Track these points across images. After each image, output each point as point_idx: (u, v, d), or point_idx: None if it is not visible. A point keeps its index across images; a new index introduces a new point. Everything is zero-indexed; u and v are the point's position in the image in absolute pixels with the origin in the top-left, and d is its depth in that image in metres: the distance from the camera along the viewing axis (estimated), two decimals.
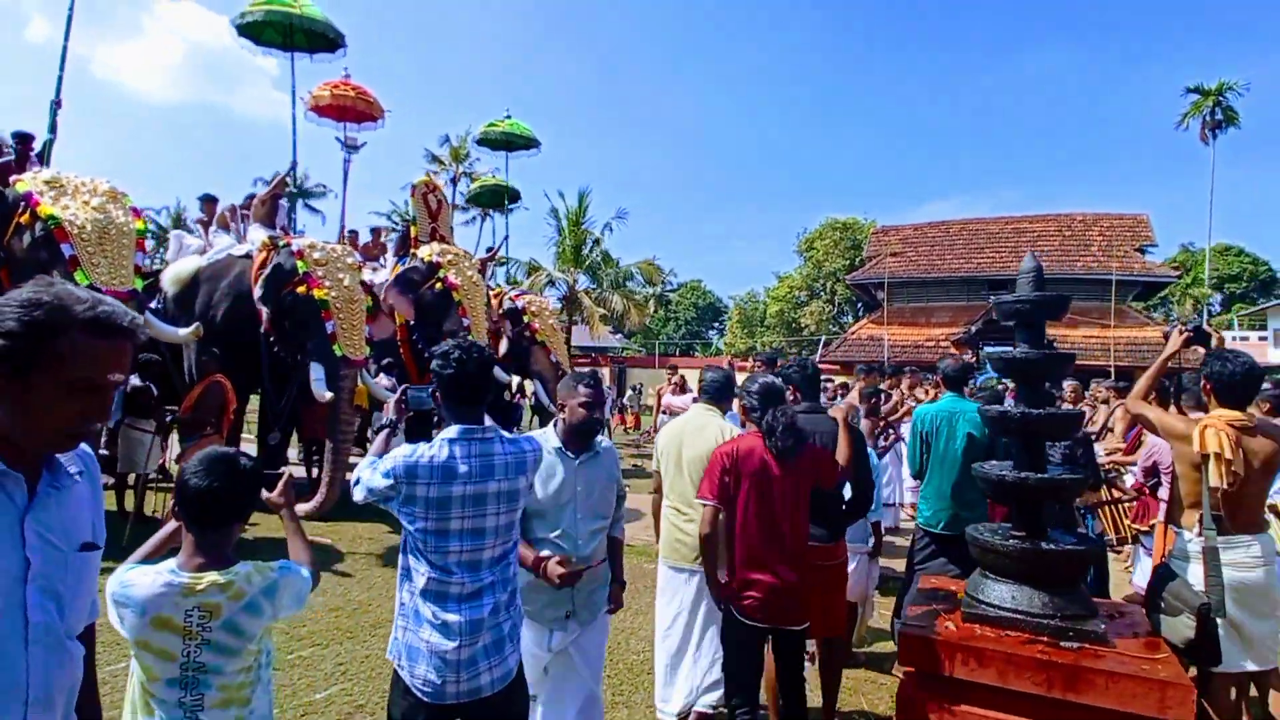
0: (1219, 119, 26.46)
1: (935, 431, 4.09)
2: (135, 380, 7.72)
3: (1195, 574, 3.00)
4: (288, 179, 9.01)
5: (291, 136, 9.67)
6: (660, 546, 3.61)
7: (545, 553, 2.50)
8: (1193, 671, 3.08)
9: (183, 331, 6.84)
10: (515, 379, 11.30)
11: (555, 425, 2.77)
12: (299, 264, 7.12)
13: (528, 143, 14.81)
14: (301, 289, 7.02)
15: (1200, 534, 3.03)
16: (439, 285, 9.06)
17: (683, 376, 12.34)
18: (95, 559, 1.31)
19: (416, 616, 2.08)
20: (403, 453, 2.08)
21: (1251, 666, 3.03)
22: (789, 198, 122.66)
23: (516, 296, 11.07)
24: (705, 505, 2.92)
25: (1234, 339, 32.24)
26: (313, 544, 2.08)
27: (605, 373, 22.54)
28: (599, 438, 2.87)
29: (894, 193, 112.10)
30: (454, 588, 2.06)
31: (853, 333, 21.80)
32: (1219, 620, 2.95)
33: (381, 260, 10.35)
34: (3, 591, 1.13)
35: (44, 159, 7.12)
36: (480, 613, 2.07)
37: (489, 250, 11.63)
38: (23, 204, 5.89)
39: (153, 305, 8.07)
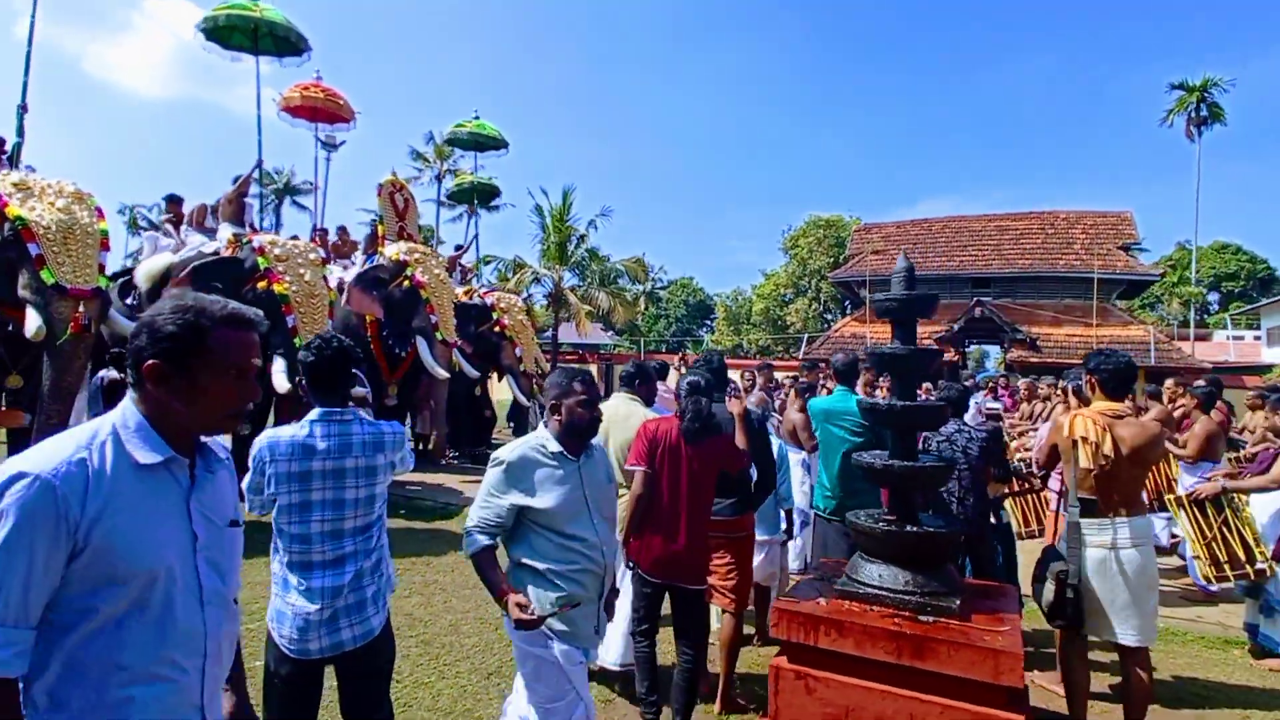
0: (1204, 115, 26.41)
1: (824, 423, 4.29)
2: (113, 373, 7.96)
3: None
4: (254, 178, 9.18)
5: (257, 136, 9.84)
6: None
7: (513, 589, 2.33)
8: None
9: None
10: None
11: (546, 425, 2.57)
12: (260, 260, 7.34)
13: (495, 143, 15.00)
14: (263, 284, 7.24)
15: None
16: (406, 283, 9.26)
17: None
18: (240, 534, 1.52)
19: (285, 584, 2.28)
20: (265, 437, 2.28)
21: (1127, 640, 3.22)
22: (784, 196, 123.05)
23: (486, 293, 11.31)
24: (637, 470, 3.23)
25: (1228, 338, 32.30)
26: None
27: (593, 369, 22.70)
28: None
29: (889, 192, 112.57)
30: (316, 555, 2.26)
31: (835, 331, 21.90)
32: (1086, 591, 3.24)
33: (352, 258, 10.53)
34: (180, 561, 1.34)
35: (13, 161, 7.33)
36: (341, 579, 2.26)
37: (457, 248, 11.85)
38: None
39: (128, 301, 8.33)
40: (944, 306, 20.69)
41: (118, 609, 1.27)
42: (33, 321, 5.87)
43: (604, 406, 3.96)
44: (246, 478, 2.26)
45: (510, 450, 2.46)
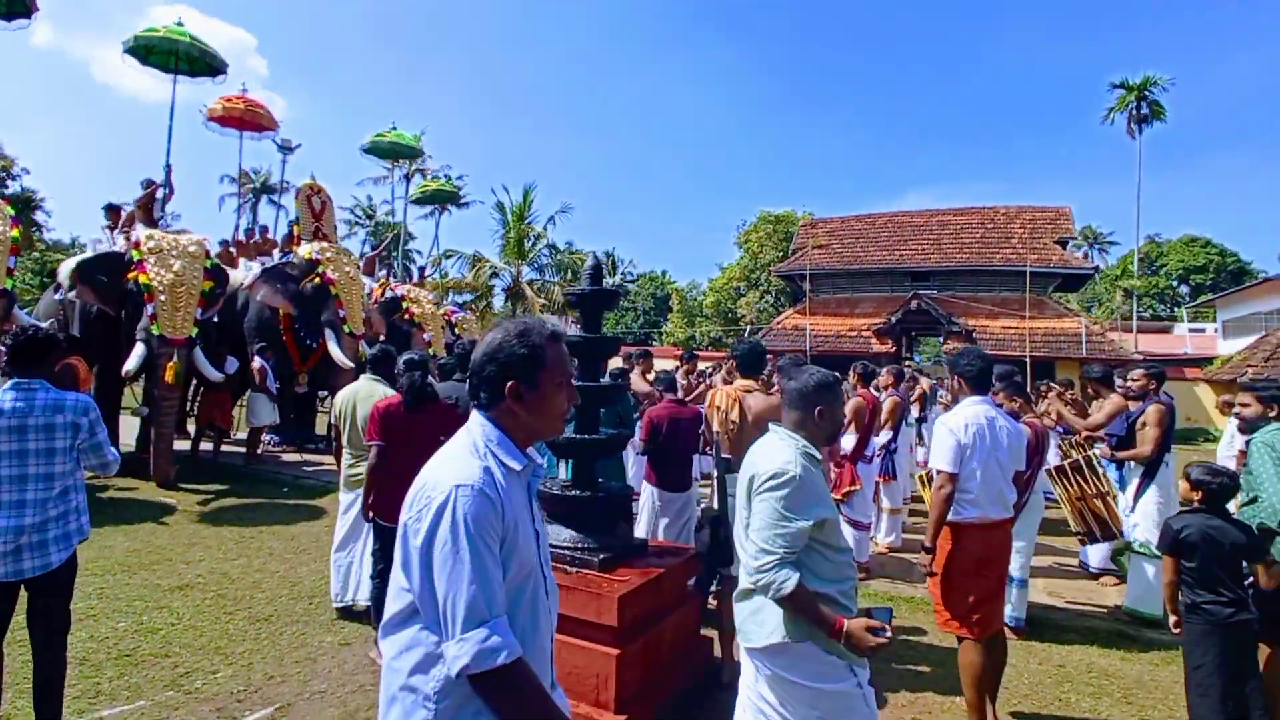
0: (1145, 113, 26.78)
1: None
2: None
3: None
4: (158, 184, 9.75)
5: (166, 145, 10.38)
6: (341, 481, 4.68)
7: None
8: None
9: (41, 325, 7.70)
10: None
11: (802, 428, 2.35)
12: (134, 253, 7.91)
13: (412, 151, 15.52)
14: (133, 274, 7.83)
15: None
16: (317, 280, 9.85)
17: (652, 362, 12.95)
18: None
19: None
20: None
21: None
22: (759, 192, 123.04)
23: (395, 286, 11.96)
24: (373, 445, 3.93)
25: (1188, 331, 32.70)
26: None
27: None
28: None
29: (873, 184, 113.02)
30: (4, 497, 2.79)
31: (778, 323, 22.34)
32: (733, 534, 3.80)
33: (273, 255, 11.09)
34: (538, 557, 1.49)
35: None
36: (23, 519, 2.78)
37: (374, 248, 12.44)
38: None
39: (56, 296, 8.96)
40: (884, 299, 21.25)
41: (520, 603, 1.42)
42: None
43: (352, 386, 4.62)
44: None
45: (791, 463, 2.17)
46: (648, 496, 5.02)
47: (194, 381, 9.93)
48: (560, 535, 3.62)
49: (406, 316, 11.21)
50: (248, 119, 11.90)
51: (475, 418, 1.52)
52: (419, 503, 1.37)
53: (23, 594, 2.86)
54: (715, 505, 3.89)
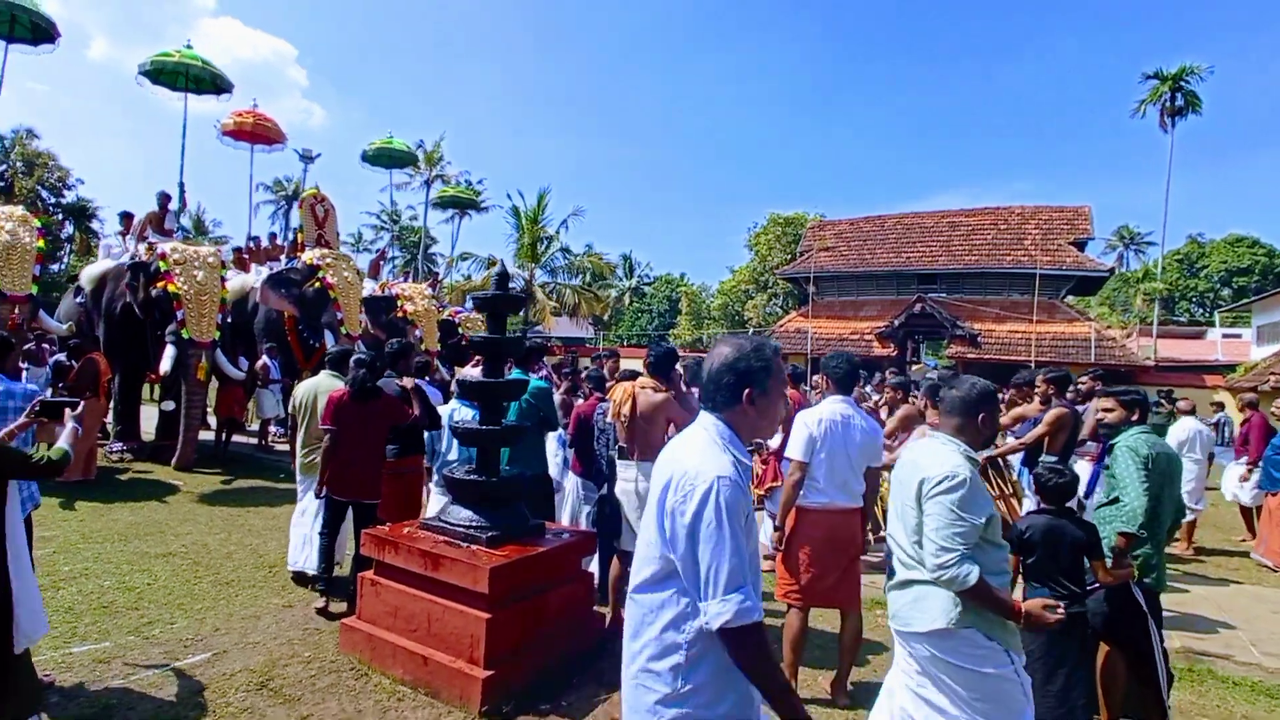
0: (1179, 105, 25.62)
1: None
2: (62, 358, 9.53)
3: None
4: (170, 196, 10.63)
5: (180, 161, 11.26)
6: (298, 467, 5.39)
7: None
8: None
9: (62, 327, 8.60)
10: None
11: (962, 433, 2.53)
12: (161, 264, 8.73)
13: (406, 159, 16.21)
14: (161, 284, 8.64)
15: None
16: (318, 284, 10.60)
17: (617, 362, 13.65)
18: None
19: None
20: None
21: (630, 547, 4.32)
22: (784, 194, 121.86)
23: (392, 285, 12.69)
24: (327, 431, 4.60)
25: (1221, 337, 31.71)
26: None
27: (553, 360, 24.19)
28: None
29: (900, 186, 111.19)
30: None
31: (781, 326, 22.53)
32: (622, 511, 4.47)
33: (280, 261, 11.90)
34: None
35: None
36: None
37: (379, 253, 13.19)
38: None
39: (78, 300, 9.86)
40: (890, 303, 21.31)
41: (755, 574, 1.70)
42: None
43: (312, 380, 5.25)
44: None
45: (961, 465, 2.38)
46: (572, 486, 5.54)
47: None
48: (460, 515, 4.14)
49: (400, 314, 11.93)
50: (258, 132, 12.81)
51: (708, 418, 1.80)
52: (683, 488, 1.65)
53: None
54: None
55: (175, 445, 9.00)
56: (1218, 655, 4.77)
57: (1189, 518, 7.48)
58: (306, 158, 16.91)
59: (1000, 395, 8.16)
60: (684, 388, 4.68)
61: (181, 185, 10.94)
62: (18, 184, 31.79)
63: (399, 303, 11.99)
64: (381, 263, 14.03)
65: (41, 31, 9.61)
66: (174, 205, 10.55)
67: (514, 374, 5.29)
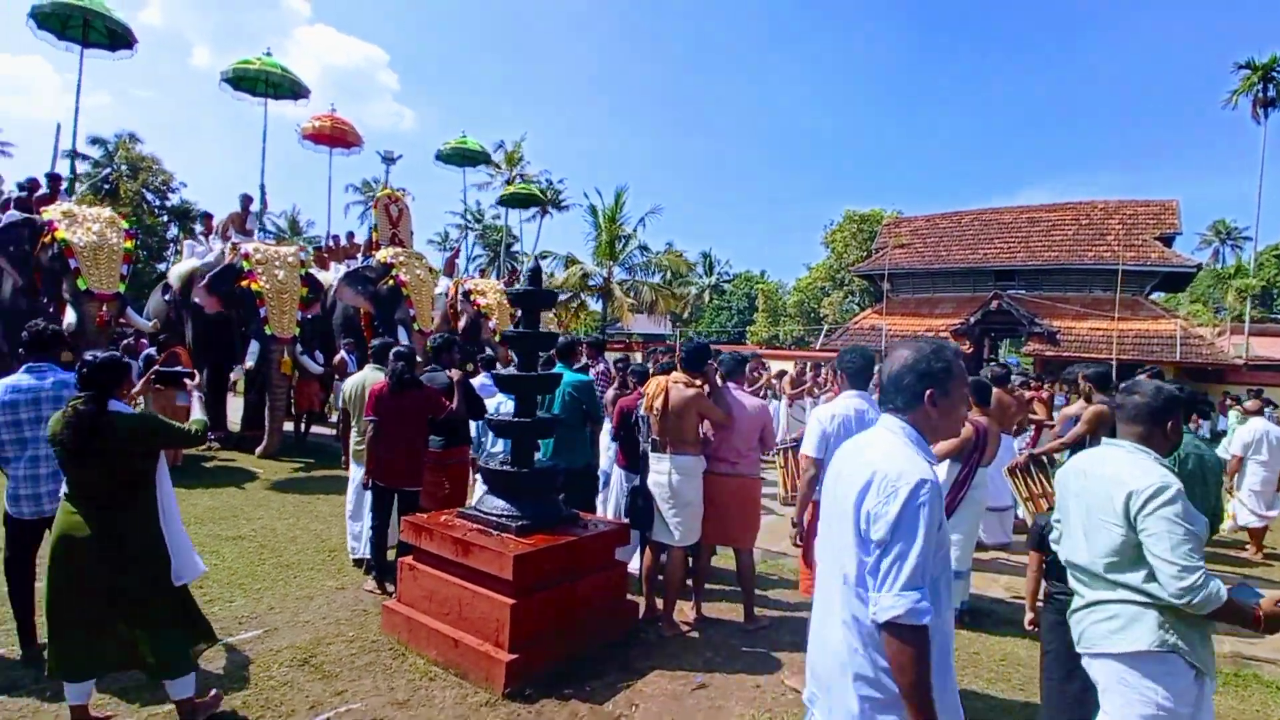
0: (1271, 96, 23.61)
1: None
2: (153, 352, 10.31)
3: None
4: (252, 197, 11.31)
5: (261, 164, 11.91)
6: (350, 456, 5.68)
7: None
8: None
9: (147, 324, 9.27)
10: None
11: (1150, 441, 2.35)
12: (244, 263, 9.31)
13: (478, 158, 16.58)
14: (245, 282, 9.21)
15: None
16: (391, 282, 11.08)
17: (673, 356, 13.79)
18: None
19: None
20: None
21: (664, 538, 4.50)
22: (865, 189, 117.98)
23: (466, 280, 13.10)
24: (369, 422, 4.87)
25: None
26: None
27: (638, 355, 24.32)
28: None
29: (986, 181, 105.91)
30: (27, 453, 3.61)
31: (855, 323, 21.97)
32: (655, 503, 4.53)
33: (357, 259, 12.49)
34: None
35: (70, 193, 9.70)
36: (36, 470, 3.60)
37: (453, 250, 13.63)
38: (46, 228, 8.29)
39: (166, 297, 10.63)
40: (966, 300, 20.52)
41: (939, 581, 1.72)
42: (68, 317, 8.03)
43: (360, 374, 5.50)
44: None
45: (1167, 474, 2.23)
46: (618, 478, 5.61)
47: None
48: (493, 504, 4.28)
49: (474, 308, 12.32)
50: (336, 136, 13.50)
51: (893, 421, 1.83)
52: (884, 489, 1.66)
53: None
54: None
55: (258, 435, 9.58)
56: (1267, 660, 4.47)
57: (1256, 523, 7.01)
58: (388, 159, 17.73)
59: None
60: (719, 383, 4.68)
61: (262, 187, 11.67)
62: (122, 187, 34.19)
63: (472, 297, 12.37)
64: (456, 260, 14.56)
65: (118, 38, 10.14)
66: (255, 206, 11.22)
67: (557, 369, 5.44)
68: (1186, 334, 17.09)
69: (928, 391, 1.78)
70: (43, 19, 9.34)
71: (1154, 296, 19.87)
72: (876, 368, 4.27)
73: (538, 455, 5.71)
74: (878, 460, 1.73)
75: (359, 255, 12.48)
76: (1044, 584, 3.32)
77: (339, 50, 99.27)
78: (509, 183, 28.61)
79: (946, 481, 4.87)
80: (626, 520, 4.74)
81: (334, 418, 12.31)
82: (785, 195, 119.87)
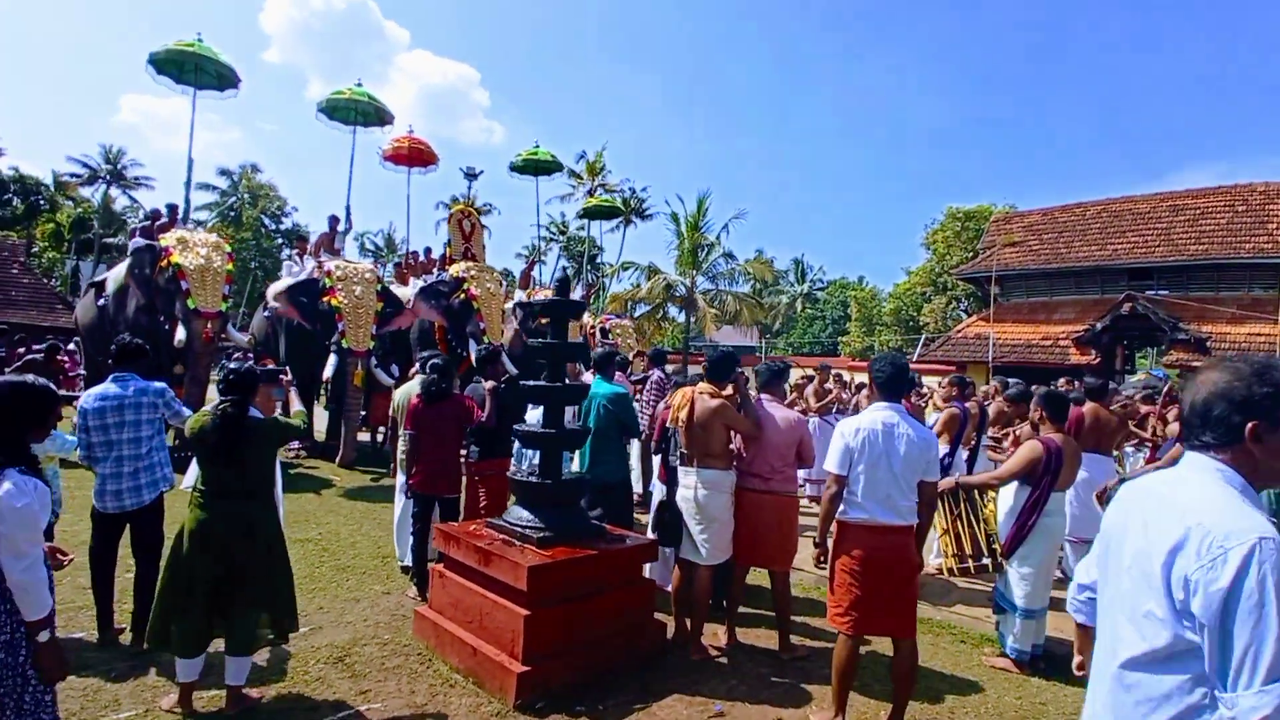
0: None
1: (582, 407, 5.37)
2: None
3: None
4: (340, 219, 12.00)
5: (348, 187, 12.57)
6: (398, 464, 5.79)
7: None
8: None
9: (243, 339, 10.03)
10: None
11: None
12: (326, 280, 9.90)
13: (551, 167, 16.73)
14: (327, 298, 9.80)
15: None
16: (463, 295, 11.45)
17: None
18: None
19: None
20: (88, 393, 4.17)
21: (691, 555, 4.35)
22: (974, 186, 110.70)
23: (535, 292, 13.35)
24: (406, 433, 5.07)
25: None
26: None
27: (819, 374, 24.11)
28: None
29: (1124, 170, 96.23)
30: (112, 454, 3.99)
31: (958, 331, 20.35)
32: (682, 519, 4.39)
33: (433, 273, 13.00)
34: None
35: (185, 219, 10.69)
36: (120, 469, 3.94)
37: (529, 263, 13.95)
38: (163, 253, 9.15)
39: (265, 313, 11.48)
40: (1092, 303, 18.70)
41: None
42: (179, 333, 8.83)
43: (406, 386, 5.68)
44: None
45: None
46: (659, 494, 5.50)
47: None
48: (519, 515, 4.29)
49: (536, 322, 12.56)
50: (414, 156, 14.22)
51: (1204, 461, 1.49)
52: (1209, 552, 1.32)
53: None
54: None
55: (338, 444, 10.16)
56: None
57: None
58: (470, 175, 18.47)
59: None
60: (750, 394, 4.48)
61: (348, 209, 12.40)
62: (245, 213, 37.70)
63: (537, 310, 12.64)
64: (531, 273, 14.96)
65: (225, 79, 11.18)
66: (341, 227, 11.94)
67: (595, 381, 5.41)
68: None
69: (1250, 425, 1.43)
70: (160, 65, 10.40)
71: None
72: (910, 375, 3.97)
73: (574, 467, 5.73)
74: (1194, 511, 1.39)
75: (435, 270, 13.00)
76: None
77: (435, 72, 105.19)
78: (590, 193, 29.03)
79: (1015, 506, 4.45)
80: (654, 536, 4.60)
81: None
82: (886, 195, 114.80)
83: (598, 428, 5.11)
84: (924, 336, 24.92)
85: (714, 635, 4.59)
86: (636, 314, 25.84)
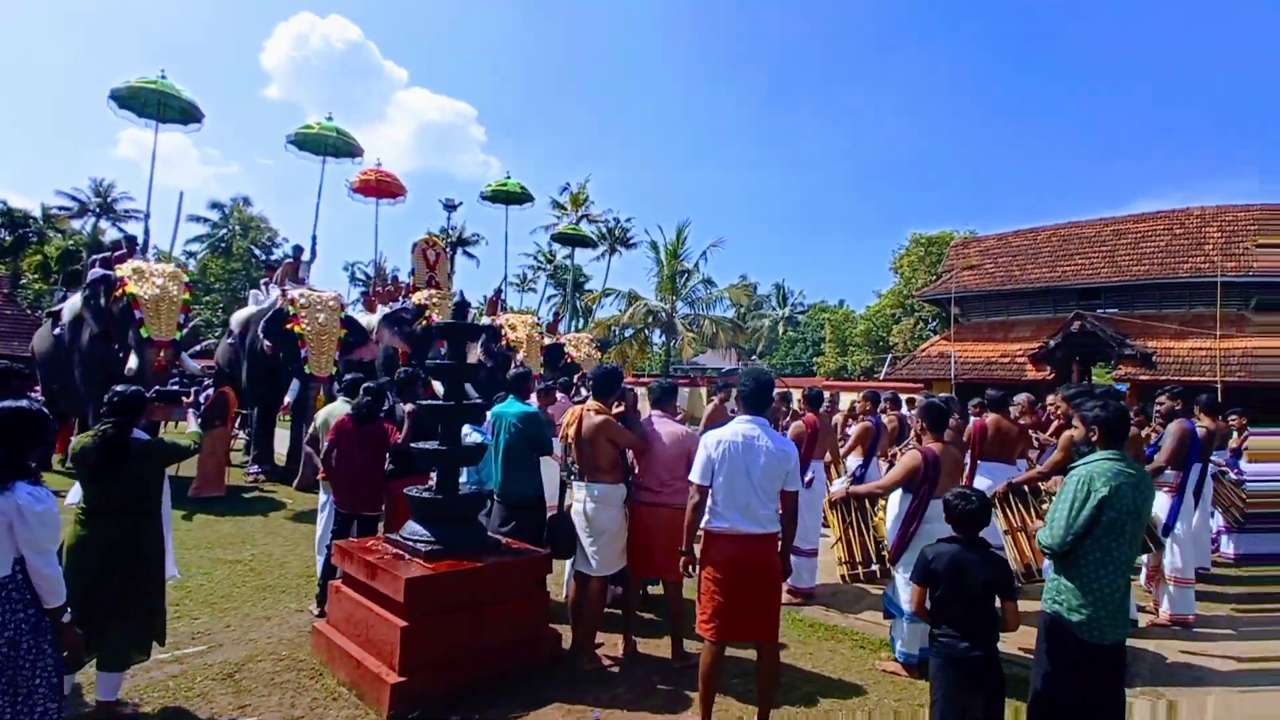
0: None
1: (491, 427, 5.50)
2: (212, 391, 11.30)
3: None
4: (304, 249, 12.23)
5: (315, 217, 12.92)
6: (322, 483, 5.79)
7: None
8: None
9: (197, 366, 10.19)
10: None
11: None
12: (289, 308, 10.09)
13: (520, 198, 17.14)
14: (289, 325, 9.98)
15: None
16: (425, 322, 11.68)
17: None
18: None
19: None
20: None
21: (584, 568, 4.52)
22: (945, 213, 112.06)
23: (497, 317, 13.63)
24: (330, 450, 5.19)
25: None
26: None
27: (704, 390, 24.20)
28: None
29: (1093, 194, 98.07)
30: None
31: (923, 350, 20.80)
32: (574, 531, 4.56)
33: (400, 300, 13.22)
34: None
35: (144, 250, 10.89)
36: None
37: (495, 291, 14.27)
38: (118, 283, 9.33)
39: (229, 340, 11.64)
40: (1045, 322, 19.17)
41: None
42: (132, 361, 8.96)
43: (329, 406, 5.82)
44: None
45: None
46: None
47: None
48: (413, 530, 4.42)
49: (504, 343, 12.76)
50: (381, 188, 14.57)
51: None
52: None
53: None
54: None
55: (296, 469, 10.26)
56: None
57: None
58: (450, 206, 18.94)
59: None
60: (637, 409, 4.66)
61: (314, 238, 12.67)
62: (235, 244, 38.14)
63: (502, 331, 12.86)
64: (498, 301, 15.24)
65: (189, 114, 11.55)
66: (306, 256, 12.17)
67: (509, 401, 5.56)
68: None
69: None
70: (122, 100, 10.69)
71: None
72: (773, 392, 4.14)
73: (477, 483, 5.86)
74: None
75: (400, 298, 13.22)
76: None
77: (433, 108, 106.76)
78: (575, 224, 29.53)
79: (899, 514, 4.61)
80: (547, 550, 4.73)
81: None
82: (862, 222, 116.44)
83: (508, 445, 5.23)
84: (890, 356, 25.26)
85: (614, 645, 4.71)
86: (619, 340, 26.14)
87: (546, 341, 13.56)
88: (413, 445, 4.81)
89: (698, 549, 3.73)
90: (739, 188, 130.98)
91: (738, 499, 3.53)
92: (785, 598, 5.18)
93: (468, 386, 10.73)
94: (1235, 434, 7.77)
